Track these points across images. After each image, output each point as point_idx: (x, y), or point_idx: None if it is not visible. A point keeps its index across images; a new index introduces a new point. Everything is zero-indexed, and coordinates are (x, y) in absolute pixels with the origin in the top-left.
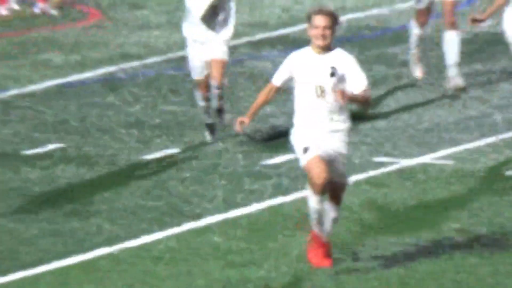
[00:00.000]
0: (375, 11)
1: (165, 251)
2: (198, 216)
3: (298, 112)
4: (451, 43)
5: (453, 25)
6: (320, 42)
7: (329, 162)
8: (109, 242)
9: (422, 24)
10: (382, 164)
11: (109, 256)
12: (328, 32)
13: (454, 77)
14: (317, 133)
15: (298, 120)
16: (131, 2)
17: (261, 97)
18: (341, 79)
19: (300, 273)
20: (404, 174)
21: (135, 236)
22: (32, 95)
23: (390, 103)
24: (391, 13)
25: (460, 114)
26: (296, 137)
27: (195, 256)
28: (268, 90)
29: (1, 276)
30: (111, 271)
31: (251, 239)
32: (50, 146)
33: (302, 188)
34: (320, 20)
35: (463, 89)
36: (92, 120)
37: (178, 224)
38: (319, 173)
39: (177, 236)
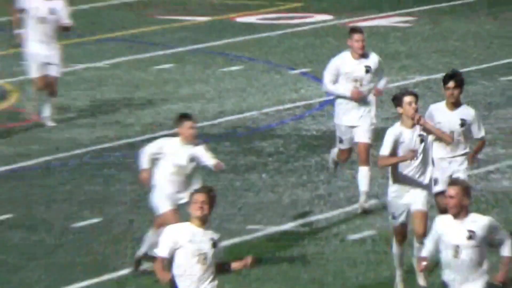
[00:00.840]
0: (248, 114)
1: None
2: (115, 269)
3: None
4: (363, 176)
5: (366, 162)
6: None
7: None
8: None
9: (343, 161)
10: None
11: None
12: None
13: (362, 202)
14: None
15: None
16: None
17: None
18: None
19: None
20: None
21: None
22: None
23: (259, 184)
24: (260, 115)
25: (312, 192)
26: None
27: None
28: None
29: None
30: None
31: None
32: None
33: None
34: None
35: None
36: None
37: (100, 276)
38: None
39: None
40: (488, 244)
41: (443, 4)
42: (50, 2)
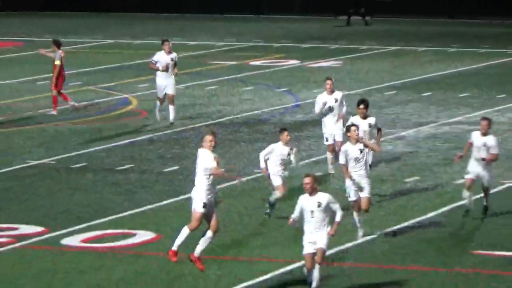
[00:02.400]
0: (256, 112)
1: None
2: None
3: None
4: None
5: (334, 151)
6: None
7: None
8: None
9: (331, 152)
10: None
11: None
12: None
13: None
14: None
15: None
16: None
17: None
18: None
19: None
20: None
21: None
22: None
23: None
24: (262, 113)
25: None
26: None
27: None
28: None
29: None
30: None
31: None
32: None
33: None
34: None
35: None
36: None
37: None
38: None
39: None
40: (328, 210)
41: (357, 54)
42: (171, 55)
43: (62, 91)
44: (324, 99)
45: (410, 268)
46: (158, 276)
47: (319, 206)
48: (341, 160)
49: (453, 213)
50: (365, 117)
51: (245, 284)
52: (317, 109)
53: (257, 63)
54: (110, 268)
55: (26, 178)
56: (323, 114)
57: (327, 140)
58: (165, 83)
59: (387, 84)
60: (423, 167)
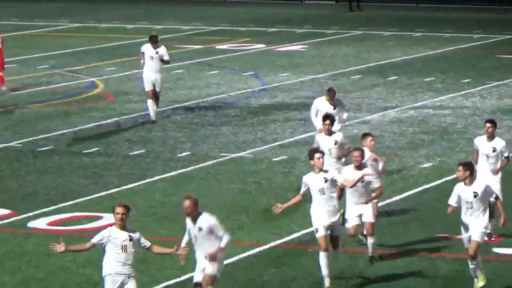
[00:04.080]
0: (223, 95)
1: None
2: None
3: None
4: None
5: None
6: None
7: None
8: None
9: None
10: None
11: None
12: None
13: None
14: None
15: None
16: None
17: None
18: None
19: None
20: None
21: None
22: None
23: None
24: (227, 96)
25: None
26: None
27: None
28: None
29: None
30: None
31: None
32: None
33: None
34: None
35: None
36: None
37: None
38: None
39: None
40: (213, 235)
41: (323, 39)
42: (156, 48)
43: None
44: (321, 105)
45: (375, 252)
46: None
47: None
48: (302, 190)
49: (418, 197)
50: (330, 133)
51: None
52: (311, 115)
53: (224, 47)
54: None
55: None
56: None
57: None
58: (152, 76)
59: (353, 68)
60: (388, 151)
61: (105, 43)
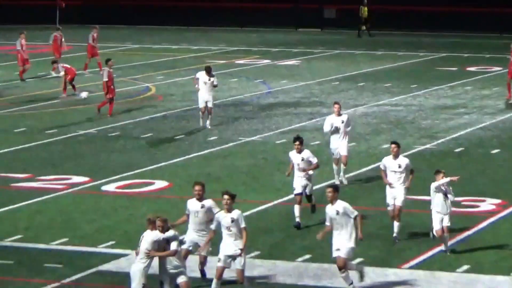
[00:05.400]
0: (235, 97)
1: None
2: None
3: None
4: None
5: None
6: None
7: None
8: None
9: (336, 164)
10: None
11: None
12: None
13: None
14: None
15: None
16: None
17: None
18: None
19: None
20: None
21: None
22: None
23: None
24: (239, 98)
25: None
26: None
27: None
28: None
29: None
30: None
31: None
32: None
33: None
34: None
35: None
36: None
37: None
38: None
39: None
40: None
41: (324, 53)
42: (210, 76)
43: None
44: (331, 120)
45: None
46: (170, 211)
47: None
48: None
49: (376, 173)
50: (300, 151)
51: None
52: (326, 128)
53: (241, 61)
54: (137, 207)
55: (76, 144)
56: (331, 133)
57: (333, 154)
58: (206, 98)
59: (333, 77)
60: (358, 136)
61: (157, 58)
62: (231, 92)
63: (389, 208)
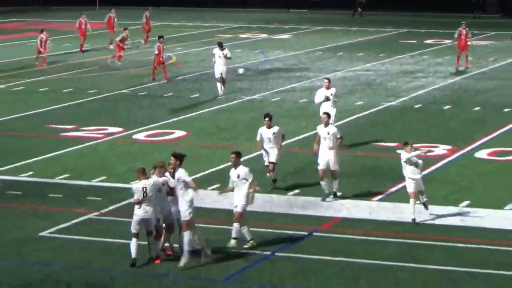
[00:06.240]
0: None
1: None
2: None
3: None
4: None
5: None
6: None
7: None
8: None
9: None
10: None
11: None
12: None
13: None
14: None
15: None
16: None
17: None
18: None
19: None
20: None
21: None
22: None
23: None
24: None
25: None
26: None
27: None
28: None
29: None
30: None
31: None
32: None
33: None
34: None
35: None
36: None
37: None
38: None
39: None
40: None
41: (310, 29)
42: (222, 50)
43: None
44: (322, 91)
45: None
46: (187, 155)
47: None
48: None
49: (353, 122)
50: (269, 127)
51: None
52: (317, 99)
53: (244, 36)
54: (160, 151)
55: (112, 101)
56: (321, 102)
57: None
58: (221, 69)
59: (317, 48)
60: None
61: (176, 33)
62: (236, 60)
63: (319, 167)
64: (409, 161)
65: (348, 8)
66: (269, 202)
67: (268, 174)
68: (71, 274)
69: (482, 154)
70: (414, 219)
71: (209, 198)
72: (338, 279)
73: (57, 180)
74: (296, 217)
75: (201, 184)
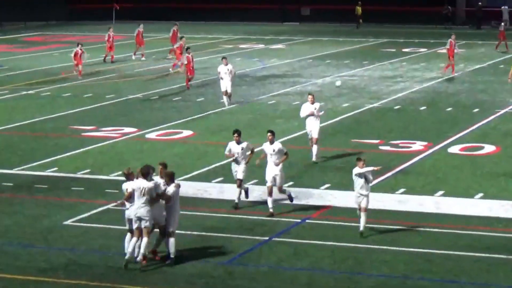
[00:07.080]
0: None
1: None
2: None
3: None
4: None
5: (317, 143)
6: None
7: None
8: None
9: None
10: None
11: None
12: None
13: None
14: None
15: None
16: None
17: None
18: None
19: None
20: None
21: None
22: None
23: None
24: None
25: None
26: None
27: None
28: None
29: None
30: None
31: None
32: None
33: None
34: None
35: None
36: None
37: None
38: None
39: None
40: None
41: (301, 40)
42: (227, 65)
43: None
44: (307, 106)
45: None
46: (193, 152)
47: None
48: None
49: (340, 120)
50: (238, 142)
51: None
52: (302, 114)
53: (243, 46)
54: (170, 148)
55: (127, 104)
56: (306, 117)
57: (309, 135)
58: (226, 84)
59: (308, 56)
60: (326, 98)
61: (185, 44)
62: (238, 67)
63: (267, 184)
64: (360, 176)
65: (335, 21)
66: (265, 193)
67: (238, 189)
68: (92, 258)
69: (455, 149)
70: (362, 232)
71: (214, 190)
72: (328, 260)
73: (79, 174)
74: (290, 206)
75: (206, 177)
